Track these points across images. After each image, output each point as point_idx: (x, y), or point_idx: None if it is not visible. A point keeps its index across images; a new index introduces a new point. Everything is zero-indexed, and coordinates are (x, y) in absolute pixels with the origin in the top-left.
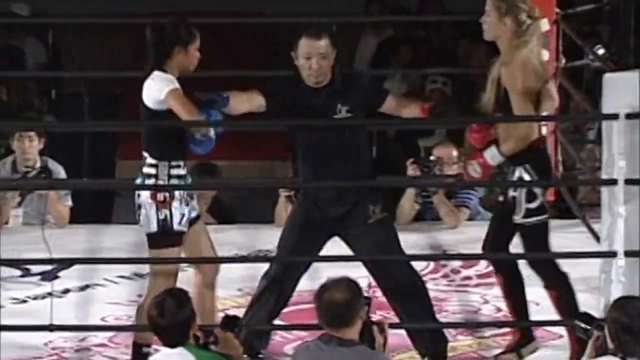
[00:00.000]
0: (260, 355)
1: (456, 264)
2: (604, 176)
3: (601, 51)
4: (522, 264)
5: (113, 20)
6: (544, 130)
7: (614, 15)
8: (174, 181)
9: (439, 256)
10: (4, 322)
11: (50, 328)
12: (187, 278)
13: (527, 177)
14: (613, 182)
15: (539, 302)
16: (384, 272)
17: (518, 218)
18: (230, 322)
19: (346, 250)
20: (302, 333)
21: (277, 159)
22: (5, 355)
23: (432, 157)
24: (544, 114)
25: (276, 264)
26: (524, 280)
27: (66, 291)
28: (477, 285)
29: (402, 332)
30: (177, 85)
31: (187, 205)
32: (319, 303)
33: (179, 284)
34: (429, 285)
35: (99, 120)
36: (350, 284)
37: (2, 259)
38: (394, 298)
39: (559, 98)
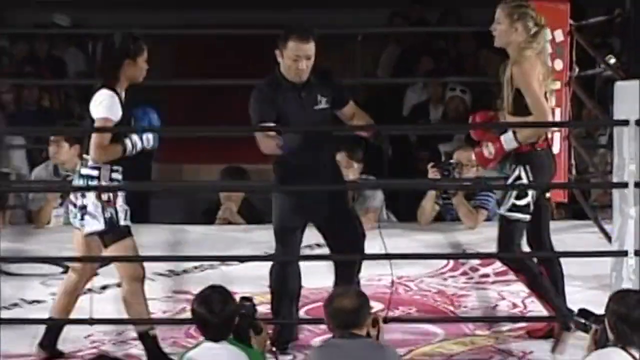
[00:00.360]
0: (287, 346)
1: (475, 262)
2: (615, 179)
3: (612, 61)
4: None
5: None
6: (550, 134)
7: (625, 27)
8: (115, 183)
9: (458, 255)
10: (47, 316)
11: (90, 322)
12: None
13: (524, 177)
14: (624, 185)
15: None
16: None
17: (503, 210)
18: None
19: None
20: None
21: None
22: None
23: (451, 161)
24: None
25: (276, 249)
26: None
27: (105, 287)
28: (494, 283)
29: (420, 326)
30: (113, 116)
31: (129, 204)
32: (328, 310)
33: None
34: (449, 282)
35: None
36: (358, 292)
37: (46, 257)
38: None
39: (572, 106)
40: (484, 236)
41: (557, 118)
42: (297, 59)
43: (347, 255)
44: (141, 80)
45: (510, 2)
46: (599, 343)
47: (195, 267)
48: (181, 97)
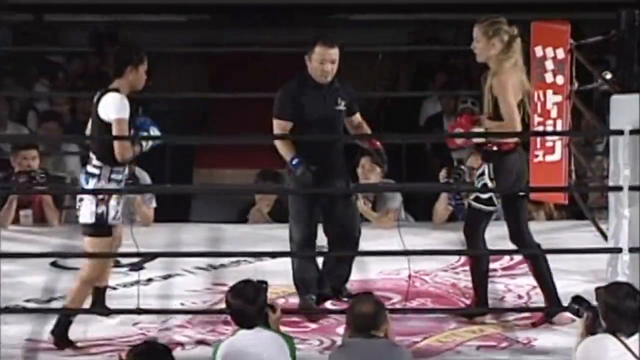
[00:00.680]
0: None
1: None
2: (611, 183)
3: (609, 76)
4: None
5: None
6: (518, 144)
7: (619, 46)
8: (113, 184)
9: (468, 252)
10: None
11: (138, 311)
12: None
13: (486, 174)
14: (619, 188)
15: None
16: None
17: (470, 199)
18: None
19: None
20: None
21: None
22: (99, 334)
23: (462, 167)
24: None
25: (299, 233)
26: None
27: (150, 280)
28: (501, 276)
29: (435, 315)
30: (126, 116)
31: (118, 204)
32: (350, 315)
33: None
34: (460, 277)
35: (181, 135)
36: (375, 299)
37: (97, 253)
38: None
39: (572, 117)
40: (492, 234)
41: (559, 128)
42: (323, 62)
43: (368, 252)
44: (140, 88)
45: (484, 21)
46: (590, 329)
47: (232, 262)
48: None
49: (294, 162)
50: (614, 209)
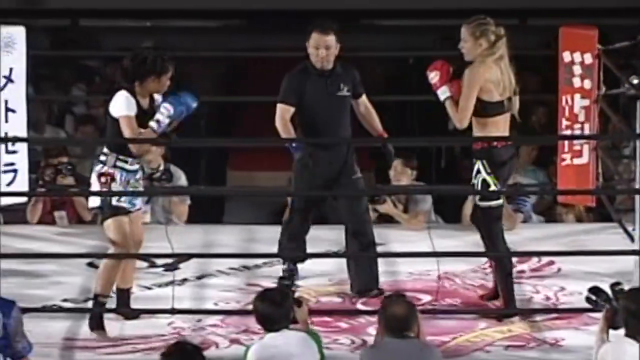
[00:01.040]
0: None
1: (513, 259)
2: (638, 186)
3: (635, 81)
4: None
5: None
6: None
7: None
8: (117, 170)
9: (497, 253)
10: (134, 306)
11: (172, 311)
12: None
13: (482, 171)
14: None
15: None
16: (354, 217)
17: (476, 200)
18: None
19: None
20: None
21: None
22: (135, 333)
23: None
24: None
25: (296, 215)
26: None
27: (185, 280)
28: (529, 278)
29: (464, 315)
30: (131, 112)
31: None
32: (383, 316)
33: None
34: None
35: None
36: (407, 300)
37: (137, 253)
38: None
39: (599, 121)
40: (521, 236)
41: (586, 132)
42: (317, 47)
43: (395, 253)
44: (162, 93)
45: (472, 21)
46: (610, 322)
47: (265, 263)
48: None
49: (294, 145)
50: None
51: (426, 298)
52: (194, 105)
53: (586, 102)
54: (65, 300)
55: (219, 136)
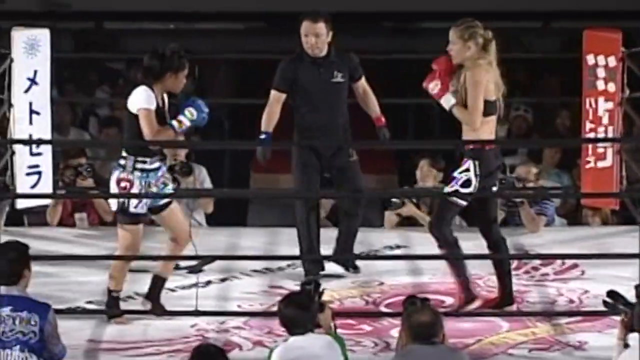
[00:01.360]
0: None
1: (536, 262)
2: None
3: None
4: None
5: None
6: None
7: None
8: (137, 173)
9: (521, 256)
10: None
11: (196, 313)
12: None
13: (471, 169)
14: None
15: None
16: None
17: (447, 188)
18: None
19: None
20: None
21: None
22: (159, 335)
23: (512, 174)
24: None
25: (299, 204)
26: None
27: (208, 282)
28: (553, 280)
29: (488, 318)
30: (151, 106)
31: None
32: (408, 324)
33: None
34: (513, 280)
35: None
36: (432, 307)
37: (156, 256)
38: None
39: (623, 124)
40: (544, 239)
41: (610, 134)
42: (307, 34)
43: (423, 256)
44: (178, 92)
45: (460, 24)
46: (629, 326)
47: (288, 265)
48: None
49: (262, 136)
50: None
51: (449, 300)
52: (206, 111)
53: (610, 105)
54: (89, 302)
55: (242, 138)
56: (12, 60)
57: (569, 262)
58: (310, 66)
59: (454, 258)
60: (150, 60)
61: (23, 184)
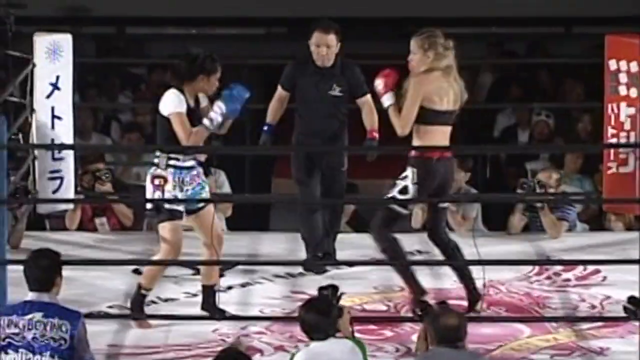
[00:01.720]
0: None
1: (558, 267)
2: None
3: None
4: None
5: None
6: (447, 154)
7: None
8: (171, 170)
9: (543, 261)
10: (180, 312)
11: (217, 318)
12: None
13: (410, 177)
14: None
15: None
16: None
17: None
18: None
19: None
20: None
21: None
22: (180, 340)
23: (534, 179)
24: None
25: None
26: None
27: (230, 287)
28: (575, 286)
29: (509, 324)
30: (182, 109)
31: (182, 190)
32: (433, 327)
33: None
34: (534, 285)
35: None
36: (457, 311)
37: (180, 260)
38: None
39: None
40: (566, 245)
41: (632, 140)
42: (319, 45)
43: (444, 262)
44: (210, 94)
45: (421, 34)
46: None
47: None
48: None
49: (264, 128)
50: None
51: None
52: (247, 95)
53: (632, 111)
54: (110, 306)
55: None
56: (34, 65)
57: (590, 267)
58: (312, 75)
59: (457, 263)
60: (183, 63)
61: (45, 188)
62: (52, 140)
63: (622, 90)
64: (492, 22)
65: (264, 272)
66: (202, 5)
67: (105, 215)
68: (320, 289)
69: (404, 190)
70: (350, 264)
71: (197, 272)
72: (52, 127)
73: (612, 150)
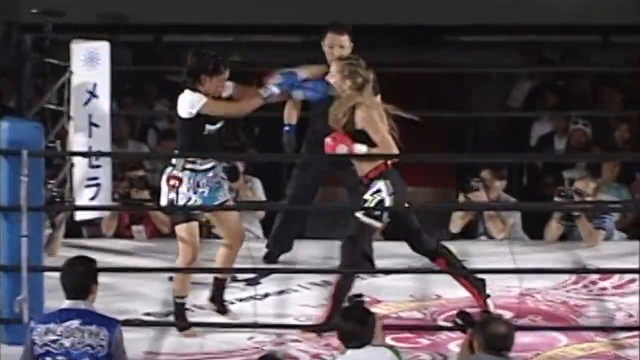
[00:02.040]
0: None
1: (594, 276)
2: None
3: None
4: None
5: None
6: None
7: None
8: (187, 172)
9: (580, 270)
10: (217, 320)
11: (254, 325)
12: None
13: (384, 190)
14: None
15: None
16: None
17: (359, 213)
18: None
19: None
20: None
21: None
22: (216, 348)
23: (571, 188)
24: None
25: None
26: None
27: (266, 295)
28: (612, 295)
29: (546, 332)
30: (205, 99)
31: (195, 193)
32: (482, 333)
33: None
34: (571, 294)
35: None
36: (507, 320)
37: (214, 267)
38: None
39: None
40: (603, 253)
41: None
42: (332, 46)
43: (481, 270)
44: (217, 96)
45: (344, 60)
46: None
47: None
48: None
49: (286, 128)
50: None
51: (507, 314)
52: (323, 89)
53: None
54: (147, 313)
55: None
56: (71, 73)
57: (627, 276)
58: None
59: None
60: (189, 62)
61: (82, 196)
62: (90, 147)
63: None
64: (528, 29)
65: (300, 280)
66: (239, 13)
67: (143, 222)
68: (352, 296)
69: (380, 204)
70: (387, 272)
71: (234, 279)
72: (89, 134)
73: None
